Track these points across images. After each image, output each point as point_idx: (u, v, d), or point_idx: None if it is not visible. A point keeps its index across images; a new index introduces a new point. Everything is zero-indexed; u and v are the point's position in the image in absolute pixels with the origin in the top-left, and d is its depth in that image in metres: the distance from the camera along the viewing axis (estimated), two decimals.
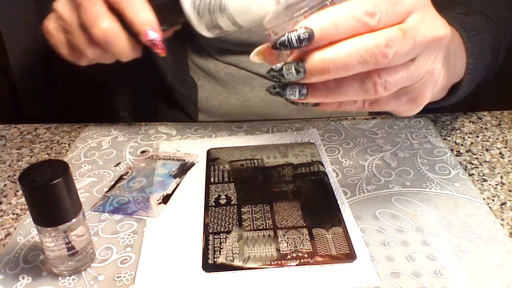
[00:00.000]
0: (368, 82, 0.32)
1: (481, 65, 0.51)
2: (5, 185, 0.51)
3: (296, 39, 0.30)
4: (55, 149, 0.57)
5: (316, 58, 0.31)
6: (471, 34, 0.49)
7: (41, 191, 0.35)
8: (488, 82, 0.59)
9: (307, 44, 0.31)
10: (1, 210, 0.47)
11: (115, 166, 0.53)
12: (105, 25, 0.42)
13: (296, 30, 0.31)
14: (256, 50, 0.37)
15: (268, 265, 0.39)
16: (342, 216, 0.44)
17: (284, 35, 0.31)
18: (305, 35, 0.30)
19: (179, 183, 0.49)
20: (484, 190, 0.48)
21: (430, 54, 0.35)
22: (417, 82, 0.36)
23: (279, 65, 0.32)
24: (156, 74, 0.76)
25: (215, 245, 0.41)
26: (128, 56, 0.46)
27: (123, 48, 0.44)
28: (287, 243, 0.41)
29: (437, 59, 0.36)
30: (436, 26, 0.34)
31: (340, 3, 0.31)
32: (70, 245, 0.37)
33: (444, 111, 0.62)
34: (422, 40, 0.33)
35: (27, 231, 0.44)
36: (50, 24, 0.46)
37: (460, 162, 0.52)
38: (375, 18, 0.31)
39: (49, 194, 0.35)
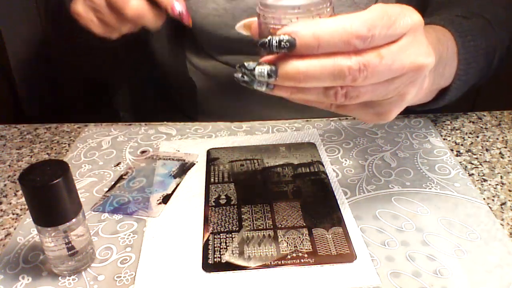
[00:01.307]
0: (330, 90, 0.33)
1: (473, 71, 0.51)
2: (5, 185, 0.51)
3: (276, 45, 0.31)
4: (55, 149, 0.57)
5: (290, 67, 0.32)
6: (466, 40, 0.49)
7: (41, 191, 0.35)
8: (481, 84, 0.59)
9: (287, 52, 0.31)
10: (1, 210, 0.47)
11: (115, 166, 0.53)
12: (135, 5, 0.44)
13: (279, 36, 0.31)
14: (242, 22, 0.38)
15: (268, 265, 0.39)
16: (342, 216, 0.44)
17: (267, 37, 0.31)
18: (287, 44, 0.31)
19: (179, 183, 0.49)
20: (484, 190, 0.48)
21: (405, 79, 0.35)
22: (385, 100, 0.36)
23: (252, 65, 0.33)
24: (156, 74, 0.76)
25: (215, 245, 0.41)
26: (157, 26, 0.48)
27: (152, 21, 0.47)
28: (287, 243, 0.41)
29: (413, 84, 0.36)
30: (420, 54, 0.34)
31: (336, 16, 0.32)
32: (70, 245, 0.37)
33: (444, 111, 0.62)
34: (398, 67, 0.33)
35: (27, 231, 0.44)
36: (79, 7, 0.47)
37: (460, 162, 0.52)
38: (366, 42, 0.31)
39: (49, 194, 0.35)
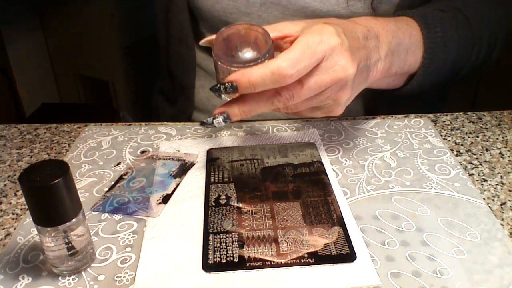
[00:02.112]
0: (275, 102, 0.43)
1: (440, 60, 0.56)
2: (5, 185, 0.51)
3: (223, 90, 0.42)
4: (55, 149, 0.57)
5: (237, 110, 0.43)
6: (433, 31, 0.54)
7: (41, 191, 0.35)
8: (463, 76, 0.61)
9: (233, 94, 0.42)
10: (1, 210, 0.47)
11: (115, 166, 0.53)
12: None
13: (225, 83, 0.41)
14: (207, 39, 0.46)
15: (268, 265, 0.39)
16: (342, 216, 0.44)
17: (216, 84, 0.43)
18: (231, 90, 0.41)
19: (179, 183, 0.49)
20: (484, 190, 0.48)
21: (332, 90, 0.43)
22: (323, 105, 0.45)
23: (209, 120, 0.44)
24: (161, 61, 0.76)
25: (215, 245, 0.41)
26: None
27: None
28: (287, 243, 0.41)
29: (342, 90, 0.44)
30: (339, 69, 0.42)
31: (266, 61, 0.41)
32: (70, 245, 0.37)
33: (444, 111, 0.62)
34: (320, 86, 0.42)
35: (27, 231, 0.44)
36: None
37: (460, 162, 0.52)
38: (292, 78, 0.40)
39: (49, 194, 0.35)
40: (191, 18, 0.70)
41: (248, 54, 0.44)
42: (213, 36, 0.45)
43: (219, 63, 0.43)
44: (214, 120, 0.44)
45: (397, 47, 0.52)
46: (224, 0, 0.63)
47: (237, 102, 0.43)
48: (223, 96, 0.43)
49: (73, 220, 0.37)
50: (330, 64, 0.42)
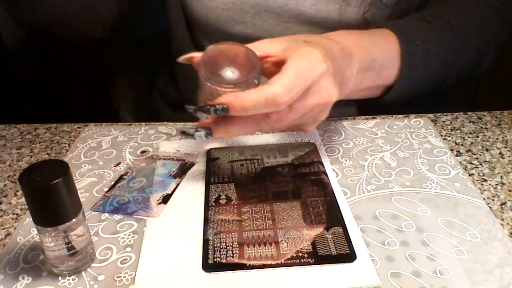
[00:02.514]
0: (263, 124, 0.43)
1: (420, 73, 0.56)
2: (5, 185, 0.51)
3: (213, 111, 0.41)
4: (55, 149, 0.57)
5: (221, 129, 0.43)
6: (413, 44, 0.55)
7: (41, 191, 0.35)
8: (454, 85, 0.61)
9: (222, 115, 0.41)
10: (1, 210, 0.47)
11: (115, 166, 0.53)
12: None
13: (216, 105, 0.41)
14: (186, 56, 0.45)
15: (268, 265, 0.39)
16: (342, 216, 0.44)
17: (205, 105, 0.41)
18: (222, 112, 0.41)
19: (179, 183, 0.49)
20: (484, 190, 0.48)
21: (315, 112, 0.45)
22: (301, 122, 0.46)
23: (191, 131, 0.45)
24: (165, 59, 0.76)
25: (215, 245, 0.41)
26: None
27: None
28: (287, 243, 0.41)
29: (324, 111, 0.46)
30: (324, 94, 0.43)
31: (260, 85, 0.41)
32: (70, 245, 0.37)
33: (444, 111, 0.62)
34: (306, 109, 0.43)
35: (27, 231, 0.44)
36: None
37: (460, 162, 0.52)
38: (285, 104, 0.40)
39: (49, 194, 0.35)
40: (189, 29, 0.70)
41: (234, 73, 0.43)
42: (193, 54, 0.45)
43: (208, 83, 0.42)
44: (195, 133, 0.43)
45: (371, 63, 0.53)
46: (218, 9, 0.63)
47: (224, 121, 0.43)
48: (205, 116, 0.43)
49: (73, 220, 0.37)
50: (317, 89, 0.43)
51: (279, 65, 0.43)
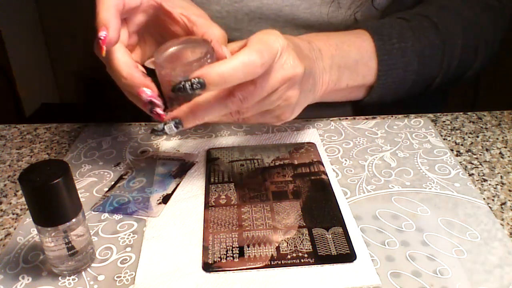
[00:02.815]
0: (229, 104, 0.41)
1: (400, 71, 0.56)
2: (5, 185, 0.51)
3: (189, 87, 0.38)
4: (55, 149, 0.57)
5: (191, 117, 0.42)
6: (388, 42, 0.55)
7: (41, 191, 0.35)
8: (443, 85, 0.61)
9: (199, 92, 0.39)
10: (1, 210, 0.47)
11: (115, 166, 0.53)
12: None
13: (191, 79, 0.38)
14: (149, 60, 0.46)
15: (268, 265, 0.39)
16: (342, 216, 0.44)
17: (180, 82, 0.39)
18: (198, 85, 0.38)
19: (179, 183, 0.49)
20: (484, 190, 0.48)
21: (283, 89, 0.43)
22: (275, 107, 0.45)
23: (160, 126, 0.42)
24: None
25: (215, 245, 0.41)
26: None
27: None
28: (287, 243, 0.41)
29: (292, 89, 0.44)
30: (289, 67, 0.42)
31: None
32: (70, 245, 0.37)
33: (444, 111, 0.62)
34: (272, 83, 0.42)
35: (27, 231, 0.44)
36: None
37: (460, 162, 0.52)
38: (262, 69, 0.39)
39: (49, 194, 0.35)
40: None
41: (187, 58, 0.43)
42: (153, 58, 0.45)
43: (162, 72, 0.42)
44: (165, 126, 0.42)
45: (343, 59, 0.52)
46: (213, 18, 0.63)
47: (189, 107, 0.41)
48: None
49: (73, 220, 0.37)
50: (280, 63, 0.42)
51: None
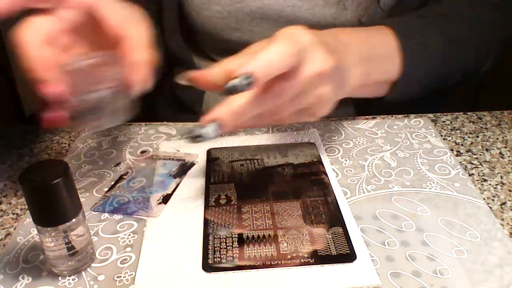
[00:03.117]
0: (268, 100, 0.41)
1: (421, 69, 0.55)
2: (5, 185, 0.51)
3: (240, 87, 0.36)
4: (55, 149, 0.57)
5: (230, 121, 0.40)
6: (410, 38, 0.54)
7: (41, 191, 0.35)
8: (459, 83, 0.61)
9: (249, 89, 0.37)
10: (1, 210, 0.47)
11: (115, 166, 0.53)
12: None
13: (239, 77, 0.36)
14: (184, 76, 0.43)
15: (268, 265, 0.39)
16: (342, 216, 0.44)
17: (229, 83, 0.37)
18: (250, 82, 0.36)
19: (179, 183, 0.49)
20: (484, 190, 0.48)
21: (314, 85, 0.42)
22: (308, 104, 0.43)
23: (198, 130, 0.39)
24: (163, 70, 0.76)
25: (215, 245, 0.41)
26: None
27: None
28: (287, 243, 0.41)
29: (324, 85, 0.43)
30: (319, 63, 0.41)
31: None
32: (70, 245, 0.37)
33: (444, 111, 0.62)
34: (303, 79, 0.41)
35: (27, 231, 0.44)
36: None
37: (460, 162, 0.52)
38: (300, 55, 0.39)
39: (49, 194, 0.35)
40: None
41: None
42: (193, 74, 0.43)
43: (69, 84, 0.39)
44: (204, 131, 0.39)
45: (371, 52, 0.51)
46: (214, 18, 0.63)
47: (228, 108, 0.40)
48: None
49: (73, 220, 0.37)
50: (309, 59, 0.41)
51: None
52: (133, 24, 0.44)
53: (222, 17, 0.63)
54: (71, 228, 0.37)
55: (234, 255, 0.40)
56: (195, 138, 0.39)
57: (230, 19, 0.63)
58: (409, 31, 0.55)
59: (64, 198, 0.35)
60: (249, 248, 0.40)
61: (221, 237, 0.42)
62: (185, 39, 0.73)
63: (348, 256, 0.39)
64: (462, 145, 0.55)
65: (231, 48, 0.68)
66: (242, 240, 0.41)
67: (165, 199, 0.47)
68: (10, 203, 0.48)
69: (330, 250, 0.40)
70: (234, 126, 0.41)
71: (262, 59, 0.37)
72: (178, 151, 0.55)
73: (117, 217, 0.45)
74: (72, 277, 0.39)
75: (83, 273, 0.39)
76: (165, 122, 0.61)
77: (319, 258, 0.39)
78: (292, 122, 0.45)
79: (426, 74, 0.56)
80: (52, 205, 0.35)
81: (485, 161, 0.52)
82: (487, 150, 0.54)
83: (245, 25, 0.64)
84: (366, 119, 0.60)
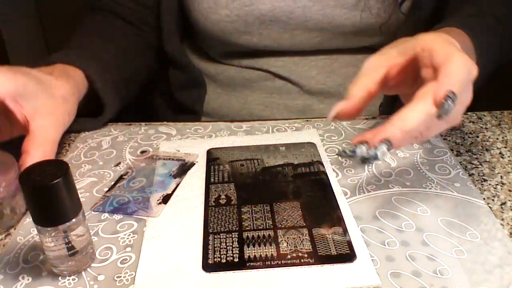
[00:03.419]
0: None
1: (490, 64, 0.53)
2: None
3: (381, 155, 0.38)
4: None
5: (399, 141, 0.38)
6: (479, 37, 0.52)
7: (41, 191, 0.35)
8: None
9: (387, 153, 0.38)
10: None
11: (115, 166, 0.53)
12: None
13: (376, 146, 0.37)
14: (332, 114, 0.42)
15: (268, 265, 0.39)
16: (342, 216, 0.44)
17: (370, 155, 0.38)
18: (387, 149, 0.37)
19: (179, 183, 0.49)
20: (484, 190, 0.48)
21: (466, 95, 0.41)
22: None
23: (371, 153, 0.38)
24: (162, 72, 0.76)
25: (215, 245, 0.41)
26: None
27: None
28: (287, 243, 0.41)
29: (468, 92, 0.41)
30: (468, 72, 0.40)
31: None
32: (70, 245, 0.37)
33: None
34: (459, 88, 0.38)
35: (27, 231, 0.44)
36: None
37: (460, 162, 0.52)
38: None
39: (49, 194, 0.35)
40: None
41: None
42: (341, 107, 0.42)
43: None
44: (377, 152, 0.38)
45: (468, 51, 0.49)
46: (222, 22, 0.63)
47: (398, 126, 0.38)
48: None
49: (73, 220, 0.37)
50: (462, 68, 0.40)
51: (410, 69, 0.43)
52: (41, 116, 0.47)
53: (231, 21, 0.63)
54: (71, 228, 0.37)
55: (234, 255, 0.40)
56: (367, 160, 0.39)
57: (239, 22, 0.63)
58: (475, 30, 0.53)
59: (64, 198, 0.35)
60: (249, 248, 0.40)
61: (221, 237, 0.42)
62: (182, 42, 0.73)
63: (348, 256, 0.39)
64: (462, 145, 0.55)
65: (238, 50, 0.68)
66: (242, 240, 0.41)
67: (165, 199, 0.47)
68: None
69: (330, 250, 0.40)
70: (403, 143, 0.39)
71: (403, 125, 0.38)
72: (178, 151, 0.55)
73: (117, 217, 0.45)
74: (72, 277, 0.39)
75: (83, 273, 0.39)
76: (165, 122, 0.61)
77: (319, 258, 0.39)
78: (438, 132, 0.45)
79: (490, 69, 0.55)
80: (52, 205, 0.35)
81: (485, 161, 0.52)
82: (487, 150, 0.54)
83: (254, 28, 0.63)
84: (366, 119, 0.60)
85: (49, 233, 0.37)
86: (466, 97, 0.41)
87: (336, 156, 0.53)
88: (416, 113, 0.38)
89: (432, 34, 0.43)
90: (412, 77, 0.45)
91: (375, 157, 0.38)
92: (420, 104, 0.38)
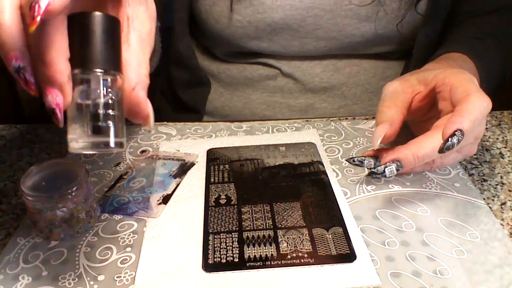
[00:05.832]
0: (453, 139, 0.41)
1: (492, 87, 0.56)
2: (5, 185, 0.51)
3: (389, 172, 0.43)
4: (55, 149, 0.57)
5: (408, 164, 0.43)
6: (484, 61, 0.55)
7: (84, 19, 0.31)
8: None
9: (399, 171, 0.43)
10: (1, 210, 0.47)
11: (115, 166, 0.53)
12: None
13: (386, 164, 0.43)
14: (378, 141, 0.45)
15: (268, 265, 0.39)
16: (342, 216, 0.44)
17: (379, 170, 0.43)
18: (397, 169, 0.43)
19: (179, 183, 0.49)
20: (484, 190, 0.48)
21: (480, 126, 0.43)
22: (467, 145, 0.45)
23: (380, 169, 0.43)
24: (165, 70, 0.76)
25: (215, 245, 0.41)
26: None
27: None
28: (287, 243, 0.41)
29: (482, 125, 0.44)
30: (484, 107, 0.41)
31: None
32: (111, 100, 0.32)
33: None
34: (475, 121, 0.41)
35: (27, 231, 0.44)
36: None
37: (460, 162, 0.52)
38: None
39: (92, 26, 0.31)
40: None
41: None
42: (383, 130, 0.45)
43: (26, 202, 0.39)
44: (386, 169, 0.43)
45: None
46: (233, 27, 0.63)
47: (410, 149, 0.42)
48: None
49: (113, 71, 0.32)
50: (479, 104, 0.42)
51: (427, 98, 0.46)
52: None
53: (242, 26, 0.63)
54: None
55: (234, 255, 0.40)
56: (375, 174, 0.44)
57: (250, 28, 0.63)
58: (479, 55, 0.56)
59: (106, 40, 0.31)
60: (249, 248, 0.40)
61: (221, 237, 0.42)
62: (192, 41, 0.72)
63: (348, 256, 0.39)
64: None
65: (247, 53, 0.68)
66: (242, 240, 0.41)
67: (165, 199, 0.47)
68: (10, 203, 0.48)
69: (330, 250, 0.40)
70: (413, 166, 0.43)
71: (417, 150, 0.42)
72: (178, 151, 0.55)
73: (117, 217, 0.45)
74: (72, 277, 0.39)
75: (83, 273, 0.39)
76: (165, 122, 0.61)
77: (319, 258, 0.39)
78: (445, 165, 0.49)
79: (492, 91, 0.57)
80: (95, 41, 0.31)
81: (485, 161, 0.52)
82: (487, 150, 0.54)
83: (264, 34, 0.64)
84: (366, 119, 0.60)
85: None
86: (479, 131, 0.44)
87: (336, 156, 0.53)
88: (431, 142, 0.41)
89: (454, 69, 0.45)
90: (428, 106, 0.48)
91: (382, 174, 0.43)
92: (437, 134, 0.41)
